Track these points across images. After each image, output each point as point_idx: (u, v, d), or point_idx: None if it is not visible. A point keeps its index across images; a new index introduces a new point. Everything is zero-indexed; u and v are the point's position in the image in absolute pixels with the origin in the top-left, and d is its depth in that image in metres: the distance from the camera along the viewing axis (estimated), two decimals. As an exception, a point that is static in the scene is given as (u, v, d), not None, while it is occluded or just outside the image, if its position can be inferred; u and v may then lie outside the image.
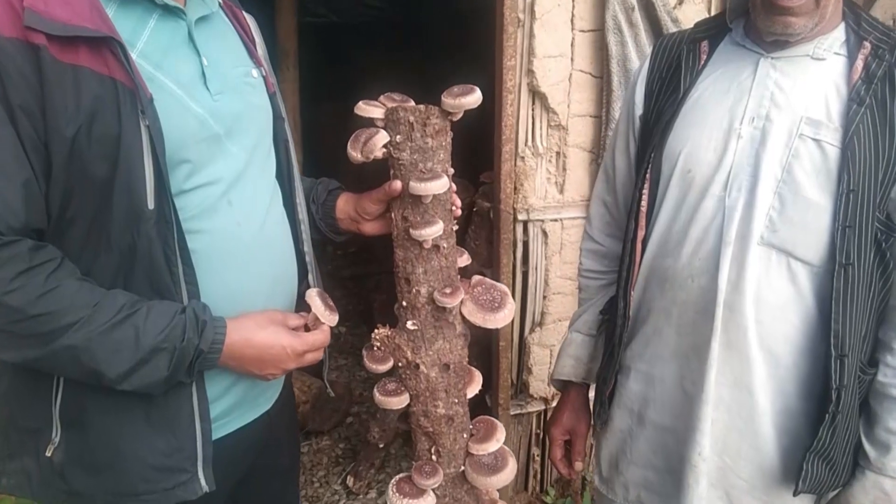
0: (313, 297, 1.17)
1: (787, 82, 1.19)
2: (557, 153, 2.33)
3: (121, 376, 0.98)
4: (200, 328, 1.02)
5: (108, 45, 0.95)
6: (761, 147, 1.18)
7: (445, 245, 1.26)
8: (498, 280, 2.38)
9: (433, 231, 1.20)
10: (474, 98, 1.19)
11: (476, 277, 1.35)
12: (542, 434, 2.61)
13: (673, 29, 2.24)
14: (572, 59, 2.25)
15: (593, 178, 2.37)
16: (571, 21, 2.21)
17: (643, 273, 1.35)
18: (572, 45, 2.24)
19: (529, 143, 2.29)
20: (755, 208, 1.17)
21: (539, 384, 2.50)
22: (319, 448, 3.15)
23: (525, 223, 2.35)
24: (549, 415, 2.57)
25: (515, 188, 2.30)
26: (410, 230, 1.21)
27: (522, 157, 2.29)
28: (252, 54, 1.24)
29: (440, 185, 1.18)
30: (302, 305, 1.23)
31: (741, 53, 1.26)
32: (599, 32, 2.23)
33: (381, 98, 1.26)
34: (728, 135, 1.22)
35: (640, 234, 1.34)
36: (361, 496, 2.87)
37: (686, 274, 1.26)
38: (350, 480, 2.92)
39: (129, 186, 0.98)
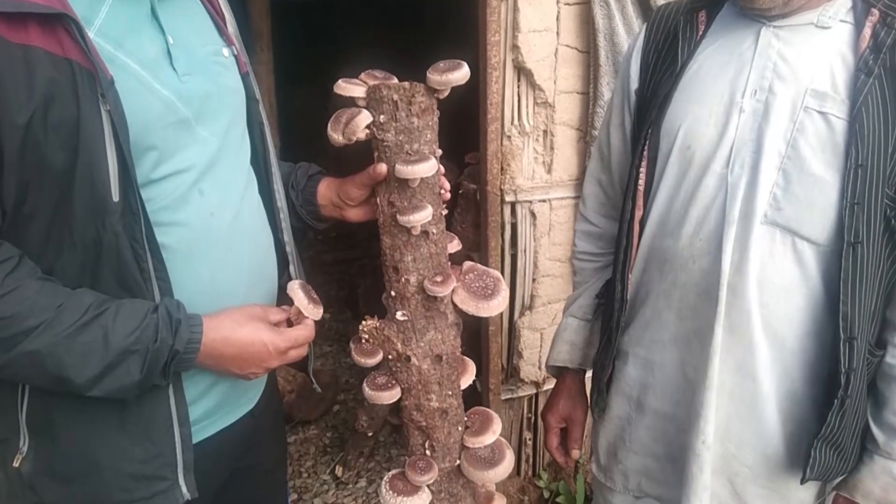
0: (295, 289, 1.10)
1: (790, 52, 1.13)
2: (544, 132, 2.26)
3: (90, 381, 0.91)
4: (174, 327, 0.95)
5: (61, 22, 0.87)
6: (764, 121, 1.13)
7: (435, 231, 1.20)
8: (486, 264, 2.33)
9: (422, 217, 1.13)
10: (462, 74, 1.12)
11: (467, 264, 1.29)
12: (533, 418, 2.57)
13: (661, 1, 2.17)
14: (558, 34, 2.18)
15: (582, 156, 2.31)
16: (557, -6, 2.14)
17: (641, 254, 1.30)
18: (558, 18, 2.17)
19: (516, 121, 2.23)
20: (758, 186, 1.12)
21: (530, 368, 2.46)
22: (307, 438, 3.10)
23: (513, 204, 2.29)
24: (540, 399, 2.54)
25: (502, 168, 2.24)
26: (397, 216, 1.14)
27: (509, 137, 2.23)
28: (222, 32, 1.16)
29: (428, 167, 1.12)
30: (284, 299, 1.16)
31: (741, 22, 1.20)
32: (585, 5, 2.16)
33: (363, 75, 1.19)
34: (729, 108, 1.16)
35: (638, 213, 1.29)
36: (351, 485, 2.83)
37: (687, 255, 1.21)
38: (339, 470, 2.88)
39: (91, 177, 0.90)
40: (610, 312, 1.36)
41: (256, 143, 1.21)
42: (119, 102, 0.90)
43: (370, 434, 2.86)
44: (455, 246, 1.31)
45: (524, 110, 2.23)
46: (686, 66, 1.24)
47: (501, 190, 2.26)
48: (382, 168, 1.13)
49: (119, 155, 0.91)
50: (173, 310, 0.96)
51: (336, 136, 1.15)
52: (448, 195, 1.26)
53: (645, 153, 1.27)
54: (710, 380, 1.18)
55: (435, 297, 1.18)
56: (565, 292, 2.41)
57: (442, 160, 1.20)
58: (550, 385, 2.51)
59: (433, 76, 1.12)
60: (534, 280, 2.37)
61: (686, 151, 1.22)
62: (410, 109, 1.13)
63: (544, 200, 2.30)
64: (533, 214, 2.31)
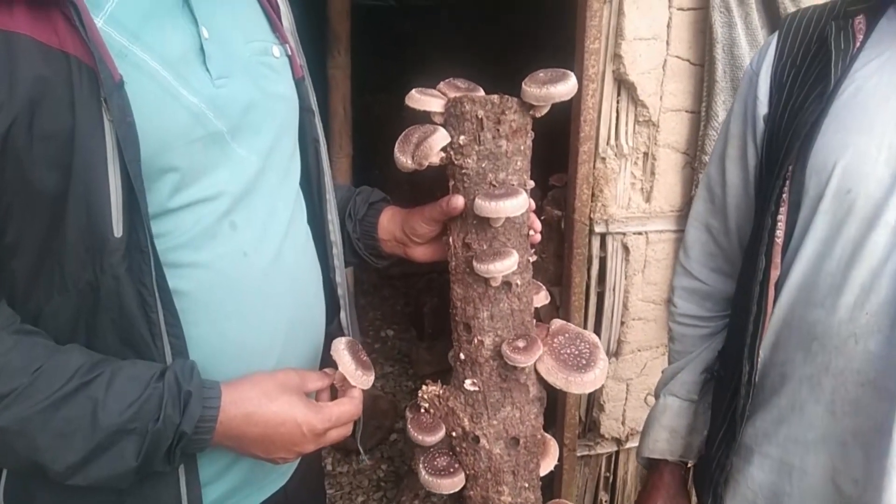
0: (341, 351, 0.88)
1: None
2: (645, 154, 1.99)
3: (71, 469, 0.71)
4: (183, 401, 0.74)
5: (58, 5, 0.68)
6: None
7: (519, 282, 0.96)
8: (569, 302, 2.06)
9: (504, 266, 0.90)
10: (567, 87, 0.88)
11: (557, 323, 1.04)
12: (611, 477, 2.28)
13: (792, 8, 1.86)
14: (668, 43, 1.91)
15: (687, 184, 2.01)
16: (668, -3, 1.87)
17: (776, 326, 1.04)
18: (668, 25, 1.90)
19: (612, 141, 1.97)
20: None
21: (612, 423, 2.17)
22: (360, 469, 2.90)
23: (603, 236, 2.02)
24: (620, 457, 2.24)
25: (593, 195, 1.98)
26: (474, 262, 0.91)
27: (603, 159, 1.96)
28: (275, 27, 0.95)
29: (516, 204, 0.88)
30: (331, 355, 0.94)
31: None
32: (702, 11, 1.88)
33: (442, 85, 0.96)
34: None
35: (774, 274, 1.03)
36: (404, 528, 2.60)
37: (846, 332, 0.94)
38: (392, 510, 2.66)
39: (87, 205, 0.71)
40: (726, 395, 1.10)
41: (310, 163, 1.01)
42: (128, 111, 0.70)
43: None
44: (542, 299, 1.06)
45: (623, 129, 1.96)
46: (840, 86, 0.99)
47: (591, 219, 1.99)
48: (458, 202, 0.91)
49: (125, 178, 0.71)
50: (184, 377, 0.75)
51: (404, 159, 0.92)
52: (538, 237, 1.02)
53: (785, 197, 1.01)
54: (887, 500, 0.88)
55: (514, 366, 0.94)
56: (658, 339, 2.12)
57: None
58: (634, 443, 2.21)
59: (531, 88, 0.88)
60: (622, 323, 2.09)
61: (845, 196, 0.96)
62: (498, 130, 0.90)
63: (640, 233, 2.02)
64: (626, 248, 2.03)
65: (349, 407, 0.86)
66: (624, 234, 2.02)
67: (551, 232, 2.16)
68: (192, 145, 0.78)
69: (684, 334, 1.28)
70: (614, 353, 2.12)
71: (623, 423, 2.19)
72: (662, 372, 1.31)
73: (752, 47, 1.89)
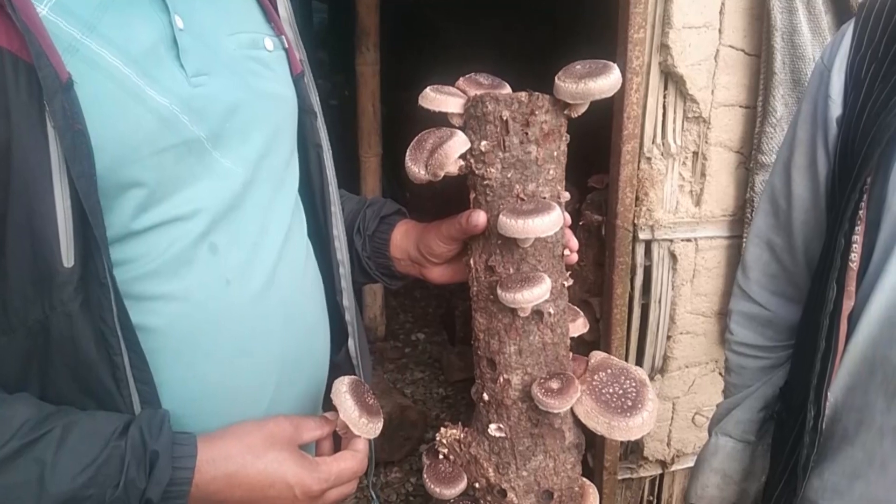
0: (342, 395, 0.75)
1: None
2: (695, 154, 1.82)
3: None
4: (150, 462, 0.63)
5: None
6: None
7: (553, 310, 0.82)
8: (610, 314, 1.91)
9: (534, 295, 0.76)
10: (609, 82, 0.74)
11: (597, 357, 0.89)
12: (654, 502, 2.11)
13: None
14: (720, 32, 1.74)
15: (741, 186, 1.84)
16: (722, -19, 1.70)
17: (851, 366, 0.89)
18: (721, 12, 1.73)
19: (658, 140, 1.80)
20: None
21: (656, 445, 2.01)
22: (388, 482, 2.79)
23: (648, 243, 1.86)
24: (664, 481, 2.08)
25: (637, 198, 1.82)
26: (498, 290, 0.78)
27: (648, 159, 1.80)
28: (269, 16, 0.83)
29: (548, 222, 0.74)
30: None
31: None
32: (759, -5, 1.69)
33: (461, 82, 0.83)
34: None
35: (847, 304, 0.89)
36: (434, 547, 2.48)
37: None
38: (422, 527, 2.54)
39: (30, 230, 0.60)
40: (790, 441, 0.95)
41: (312, 172, 0.88)
42: (77, 116, 0.59)
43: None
44: (580, 327, 0.92)
45: (670, 126, 1.79)
46: None
47: (634, 224, 1.83)
48: (480, 218, 0.78)
49: (75, 197, 0.59)
50: (151, 432, 0.63)
51: (416, 169, 0.79)
52: (575, 257, 0.87)
53: (862, 214, 0.87)
54: None
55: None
56: (707, 354, 1.95)
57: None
58: (679, 466, 2.05)
59: (566, 84, 0.73)
60: (669, 337, 1.92)
61: None
62: (527, 133, 0.76)
63: (689, 239, 1.85)
64: (673, 256, 1.86)
65: (351, 463, 0.74)
66: (671, 240, 1.85)
67: (591, 238, 2.01)
68: (161, 155, 0.66)
69: (742, 365, 1.13)
70: (660, 370, 1.95)
71: (668, 445, 2.03)
72: (717, 406, 1.16)
73: (814, 35, 1.71)
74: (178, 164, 0.68)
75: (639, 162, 1.80)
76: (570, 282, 0.85)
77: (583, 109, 0.78)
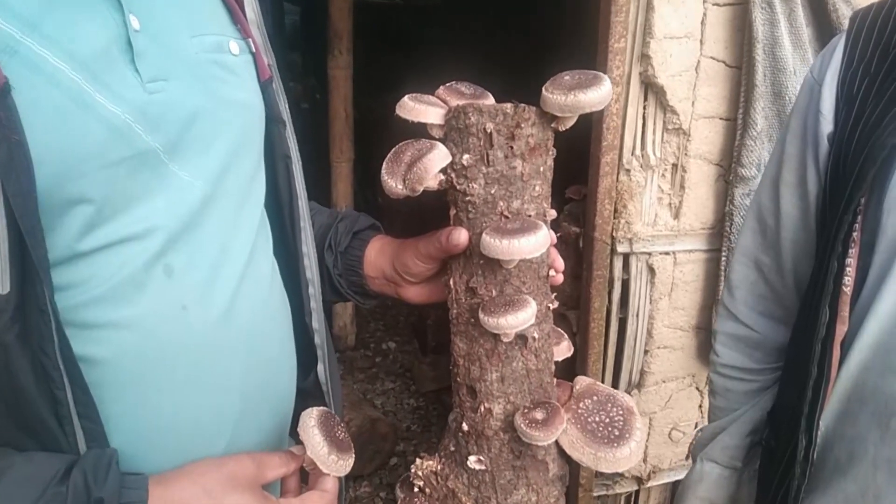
0: (309, 429, 0.69)
1: None
2: (674, 166, 1.80)
3: None
4: None
5: None
6: None
7: (537, 335, 0.78)
8: (587, 327, 1.87)
9: (519, 320, 0.71)
10: (599, 94, 0.69)
11: (583, 382, 0.85)
12: (631, 519, 2.08)
13: (844, 8, 1.66)
14: (702, 42, 1.72)
15: (720, 199, 1.82)
16: (703, -9, 1.67)
17: (843, 394, 0.86)
18: (703, 23, 1.71)
19: (638, 151, 1.77)
20: None
21: (633, 460, 1.97)
22: (357, 497, 2.72)
23: (626, 256, 1.83)
24: (640, 497, 2.04)
25: (616, 210, 1.79)
26: (480, 313, 0.73)
27: (627, 170, 1.77)
28: (235, 18, 0.77)
29: (534, 243, 0.69)
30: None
31: None
32: (740, 7, 1.69)
33: (441, 91, 0.77)
34: None
35: (841, 330, 0.86)
36: (405, 563, 2.41)
37: None
38: (392, 543, 2.48)
39: None
40: (779, 470, 0.92)
41: (280, 185, 0.82)
42: (14, 126, 0.52)
43: None
44: (564, 351, 0.87)
45: (650, 138, 1.77)
46: None
47: (613, 237, 1.80)
48: (461, 236, 0.73)
49: (10, 216, 0.53)
50: (95, 478, 0.57)
51: (393, 183, 0.74)
52: (560, 278, 0.82)
53: (856, 235, 0.84)
54: None
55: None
56: (684, 369, 1.92)
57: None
58: (656, 482, 2.01)
59: (554, 96, 0.69)
60: (646, 352, 1.89)
61: None
62: (512, 147, 0.71)
63: (667, 253, 1.82)
64: (651, 270, 1.83)
65: (318, 501, 0.68)
66: (649, 253, 1.82)
67: (568, 250, 1.97)
68: (111, 169, 0.60)
69: (728, 388, 1.09)
70: (637, 385, 1.92)
71: (645, 461, 1.99)
72: (701, 430, 1.12)
73: (795, 48, 1.70)
74: (130, 178, 0.61)
75: (618, 174, 1.77)
76: (556, 304, 0.80)
77: (571, 123, 0.74)
